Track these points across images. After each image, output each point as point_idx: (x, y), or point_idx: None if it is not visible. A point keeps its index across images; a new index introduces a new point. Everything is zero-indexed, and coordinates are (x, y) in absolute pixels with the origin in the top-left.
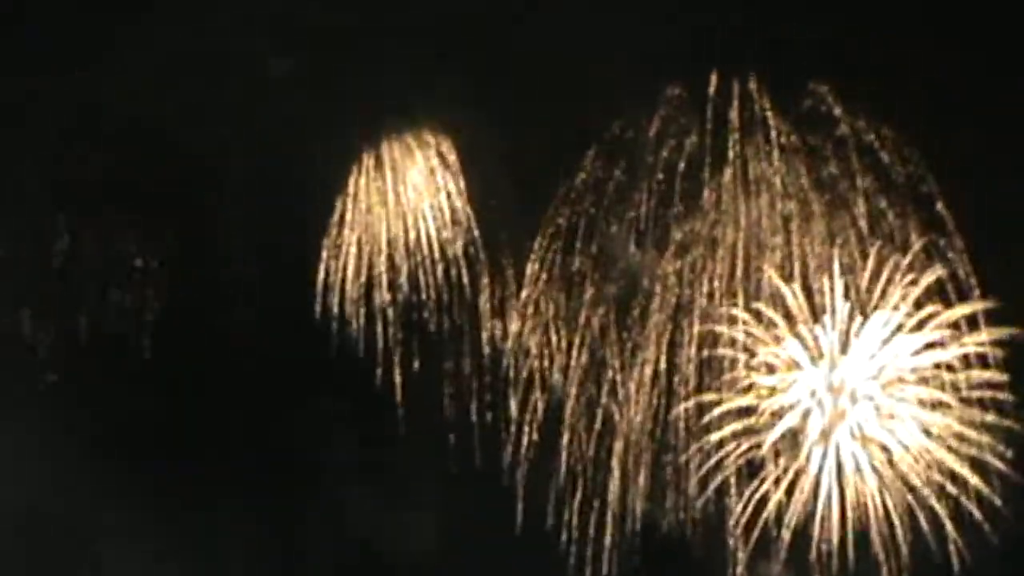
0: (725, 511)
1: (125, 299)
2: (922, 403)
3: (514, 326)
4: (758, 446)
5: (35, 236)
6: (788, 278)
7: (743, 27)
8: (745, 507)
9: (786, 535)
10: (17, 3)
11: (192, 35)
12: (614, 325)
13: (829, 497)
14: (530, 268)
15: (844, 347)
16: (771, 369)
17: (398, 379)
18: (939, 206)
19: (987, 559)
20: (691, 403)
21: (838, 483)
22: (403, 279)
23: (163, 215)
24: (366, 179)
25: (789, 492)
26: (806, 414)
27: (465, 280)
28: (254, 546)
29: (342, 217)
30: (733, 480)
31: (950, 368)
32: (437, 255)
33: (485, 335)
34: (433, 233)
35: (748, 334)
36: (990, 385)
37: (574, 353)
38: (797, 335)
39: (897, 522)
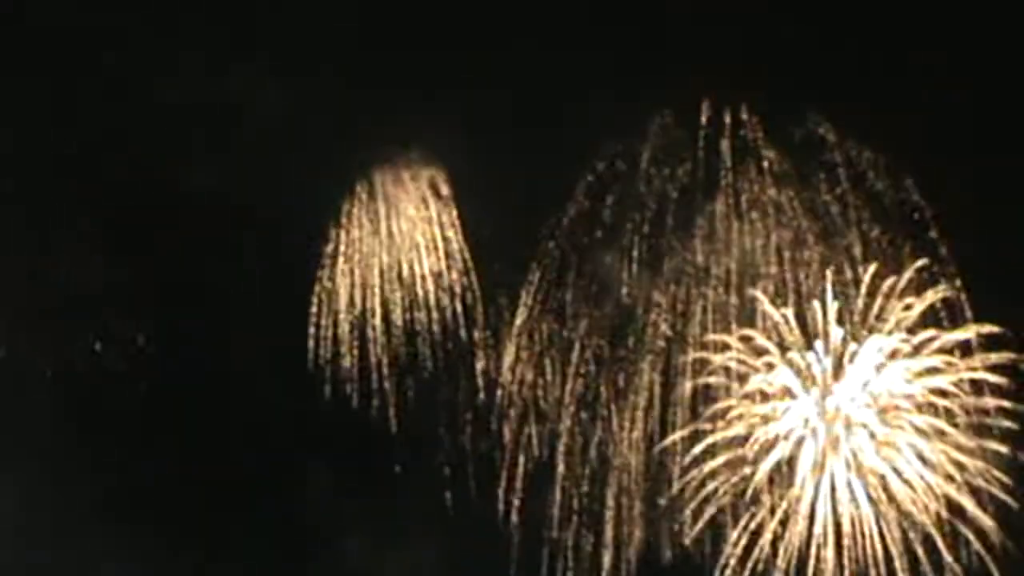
0: (720, 541)
1: (120, 329)
2: (918, 430)
3: (508, 357)
4: (752, 475)
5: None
6: (781, 305)
7: (735, 56)
8: (740, 537)
9: (782, 565)
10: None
11: (185, 63)
12: (608, 354)
13: (825, 527)
14: (524, 298)
15: (837, 373)
16: (764, 397)
17: (392, 411)
18: (933, 232)
19: None
20: (684, 432)
21: (833, 513)
22: (396, 311)
23: (155, 247)
24: (359, 211)
25: (784, 522)
26: (799, 442)
27: (459, 311)
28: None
29: (335, 249)
30: (728, 510)
31: (946, 394)
32: (431, 286)
33: (479, 365)
34: (426, 264)
35: (740, 362)
36: (987, 411)
37: (568, 383)
38: (790, 362)
39: (894, 551)
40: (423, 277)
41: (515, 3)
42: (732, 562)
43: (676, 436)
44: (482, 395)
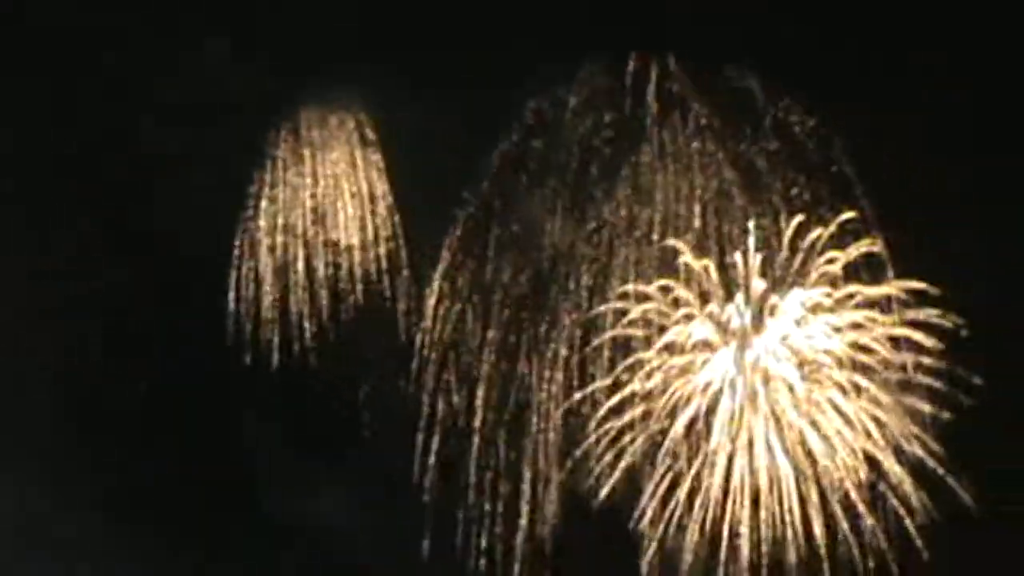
0: (637, 493)
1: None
2: (839, 386)
3: (430, 303)
4: (668, 428)
5: None
6: (703, 256)
7: (664, 6)
8: (656, 490)
9: (698, 518)
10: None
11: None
12: (529, 303)
13: (742, 482)
14: (447, 243)
15: (757, 326)
16: (682, 349)
17: (313, 357)
18: (858, 187)
19: (903, 545)
20: (602, 383)
21: (750, 468)
22: (319, 254)
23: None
24: (284, 158)
25: (700, 476)
26: (717, 396)
27: (382, 255)
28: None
29: (259, 195)
30: (644, 462)
31: (868, 350)
32: (355, 234)
33: (401, 310)
34: (351, 211)
35: (660, 313)
36: (908, 368)
37: (490, 331)
38: (709, 314)
39: (811, 507)
40: (347, 225)
41: None
42: (648, 514)
43: (593, 387)
44: (403, 339)
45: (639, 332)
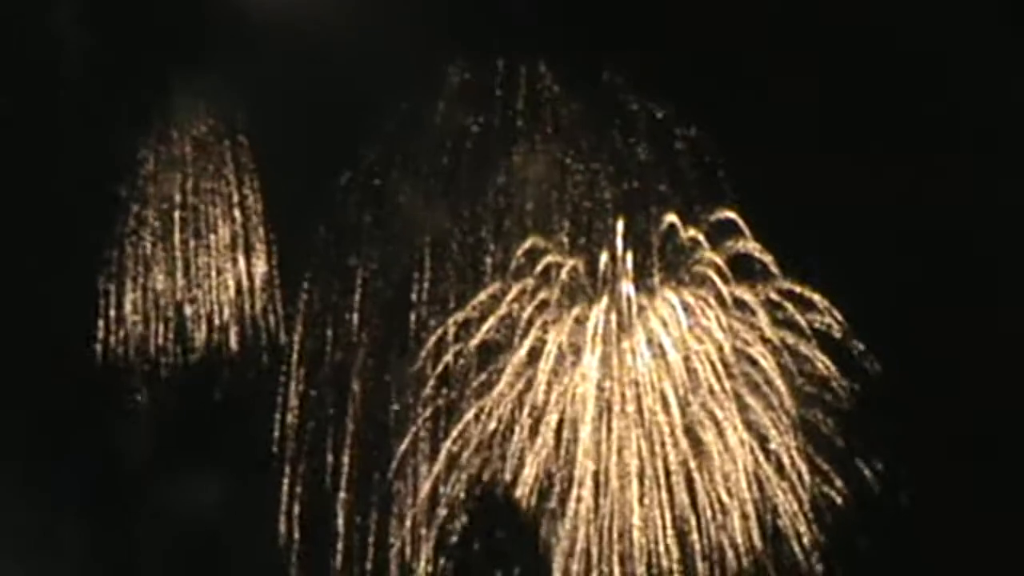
0: (505, 503)
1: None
2: (711, 391)
3: (300, 315)
4: (535, 435)
5: None
6: (571, 256)
7: (533, 9)
8: (523, 498)
9: (568, 529)
10: None
11: None
12: (397, 305)
13: (612, 491)
14: (315, 250)
15: (626, 329)
16: (547, 353)
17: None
18: (732, 187)
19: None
20: (466, 388)
21: (619, 473)
22: (193, 273)
23: None
24: (153, 186)
25: (569, 483)
26: (584, 401)
27: (258, 285)
28: None
29: (126, 221)
30: (508, 480)
31: (742, 354)
32: (228, 250)
33: (272, 323)
34: (227, 237)
35: (525, 316)
36: (783, 372)
37: (361, 335)
38: (576, 317)
39: (684, 511)
40: (219, 251)
41: None
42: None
43: (455, 393)
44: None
45: (503, 335)
